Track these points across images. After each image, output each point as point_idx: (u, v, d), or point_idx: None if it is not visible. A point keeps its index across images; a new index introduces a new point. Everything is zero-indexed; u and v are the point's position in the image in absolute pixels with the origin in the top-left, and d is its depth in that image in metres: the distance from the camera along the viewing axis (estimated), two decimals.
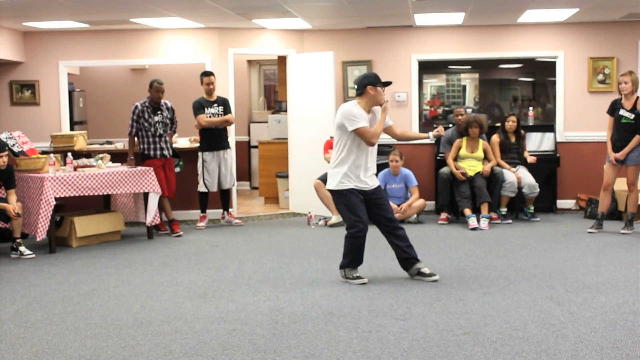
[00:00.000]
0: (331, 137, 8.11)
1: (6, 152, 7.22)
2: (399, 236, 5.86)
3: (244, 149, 12.18)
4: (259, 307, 5.14)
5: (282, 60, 10.22)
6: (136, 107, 8.21)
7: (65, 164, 7.82)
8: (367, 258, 6.63)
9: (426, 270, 5.88)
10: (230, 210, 9.00)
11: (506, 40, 9.68)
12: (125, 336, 4.55)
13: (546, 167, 9.23)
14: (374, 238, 7.66)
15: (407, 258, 5.88)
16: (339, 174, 5.71)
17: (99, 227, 7.88)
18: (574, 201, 9.61)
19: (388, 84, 5.81)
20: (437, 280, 5.80)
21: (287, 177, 9.95)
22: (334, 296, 5.41)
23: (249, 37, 9.54)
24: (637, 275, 5.90)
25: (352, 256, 5.82)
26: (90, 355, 4.21)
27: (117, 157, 8.56)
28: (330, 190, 5.87)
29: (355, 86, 5.84)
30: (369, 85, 5.67)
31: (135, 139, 8.30)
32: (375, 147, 5.81)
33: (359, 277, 5.82)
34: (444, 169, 8.81)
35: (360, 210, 5.71)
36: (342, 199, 5.75)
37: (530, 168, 8.87)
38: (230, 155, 8.80)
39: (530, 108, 10.21)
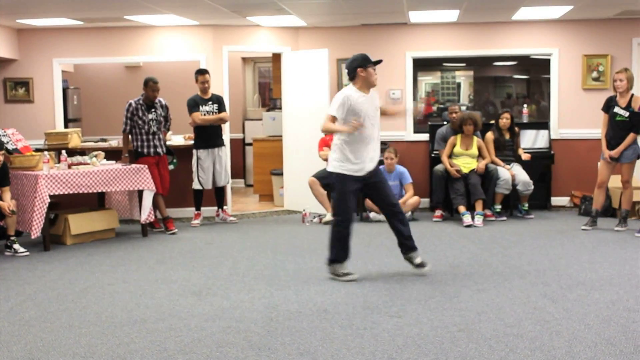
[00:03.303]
0: (326, 135, 8.11)
1: (3, 151, 7.21)
2: (400, 221, 5.91)
3: (239, 146, 12.18)
4: (254, 305, 5.14)
5: (276, 57, 10.21)
6: (130, 104, 8.19)
7: (59, 162, 7.79)
8: (361, 255, 6.65)
9: (417, 260, 5.95)
10: (224, 207, 9.00)
11: (501, 38, 9.69)
12: (120, 334, 4.55)
13: (540, 165, 9.25)
14: (369, 235, 7.69)
15: (404, 244, 5.96)
16: (337, 159, 5.76)
17: (93, 225, 7.86)
18: (568, 198, 9.63)
19: (378, 62, 5.75)
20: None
21: (281, 174, 9.94)
22: (329, 293, 5.41)
23: (244, 35, 9.53)
24: (631, 272, 5.92)
25: (337, 249, 5.80)
26: (85, 353, 4.21)
27: (112, 154, 8.54)
28: (330, 172, 5.90)
29: (347, 71, 5.80)
30: (358, 68, 5.68)
31: (129, 136, 8.28)
32: (372, 136, 5.73)
33: (347, 274, 5.81)
34: (439, 167, 8.82)
35: (350, 201, 5.73)
36: (338, 184, 5.78)
37: (525, 165, 8.89)
38: (224, 153, 8.80)
39: (525, 105, 10.22)
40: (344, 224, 5.76)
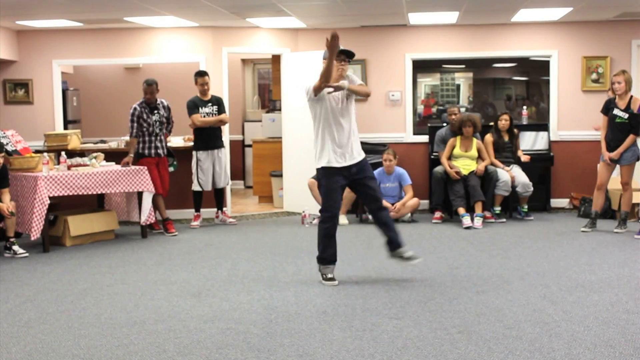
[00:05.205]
0: None
1: (2, 153, 7.21)
2: (382, 218, 5.79)
3: (238, 147, 12.18)
4: (253, 306, 5.14)
5: (276, 59, 10.21)
6: (135, 109, 8.19)
7: (59, 163, 7.79)
8: (361, 256, 6.66)
9: (408, 254, 5.83)
10: (224, 209, 9.00)
11: (500, 39, 9.69)
12: (119, 335, 4.55)
13: (540, 166, 9.26)
14: (368, 237, 7.68)
15: (389, 242, 5.85)
16: (321, 151, 5.68)
17: (92, 226, 7.86)
18: (567, 200, 9.63)
19: (343, 52, 5.58)
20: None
21: (281, 176, 9.94)
22: (328, 295, 5.41)
23: (243, 36, 9.53)
24: (630, 274, 5.92)
25: (323, 246, 5.73)
26: (84, 355, 4.20)
27: (111, 156, 8.54)
28: (317, 169, 5.81)
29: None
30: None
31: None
32: (348, 122, 5.64)
33: (331, 279, 5.75)
34: (438, 168, 8.82)
35: (335, 196, 5.67)
36: (324, 179, 5.70)
37: (524, 167, 8.90)
38: (224, 154, 8.80)
39: (524, 107, 10.22)
40: (329, 219, 5.69)
